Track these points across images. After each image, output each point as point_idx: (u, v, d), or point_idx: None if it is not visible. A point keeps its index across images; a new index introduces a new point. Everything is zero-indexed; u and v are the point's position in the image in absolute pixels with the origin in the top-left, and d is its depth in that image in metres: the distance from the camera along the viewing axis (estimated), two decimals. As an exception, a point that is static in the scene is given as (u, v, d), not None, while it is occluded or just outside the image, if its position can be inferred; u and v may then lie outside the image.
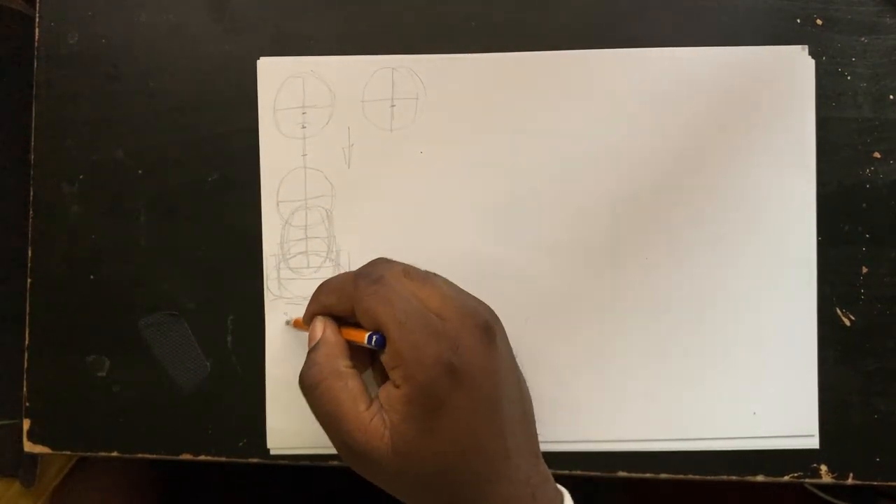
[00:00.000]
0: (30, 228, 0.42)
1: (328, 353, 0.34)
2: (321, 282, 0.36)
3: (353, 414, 0.32)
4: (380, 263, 0.35)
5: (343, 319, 0.35)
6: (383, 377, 0.34)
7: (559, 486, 0.35)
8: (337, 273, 0.40)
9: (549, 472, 0.35)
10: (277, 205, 0.41)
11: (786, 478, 0.40)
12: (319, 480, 0.65)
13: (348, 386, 0.33)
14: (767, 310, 0.40)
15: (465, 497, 0.32)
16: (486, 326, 0.33)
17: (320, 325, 0.35)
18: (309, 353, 0.35)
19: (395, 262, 0.36)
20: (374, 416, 0.32)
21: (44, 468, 0.50)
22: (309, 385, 0.33)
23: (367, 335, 0.32)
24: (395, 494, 0.34)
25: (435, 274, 0.35)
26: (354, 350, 0.35)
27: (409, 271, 0.34)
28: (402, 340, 0.31)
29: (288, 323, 0.40)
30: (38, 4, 0.41)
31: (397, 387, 0.32)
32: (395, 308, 0.32)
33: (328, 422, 0.33)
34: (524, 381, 0.35)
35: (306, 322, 0.37)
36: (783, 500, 0.61)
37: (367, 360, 0.36)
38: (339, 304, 0.35)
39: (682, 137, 0.40)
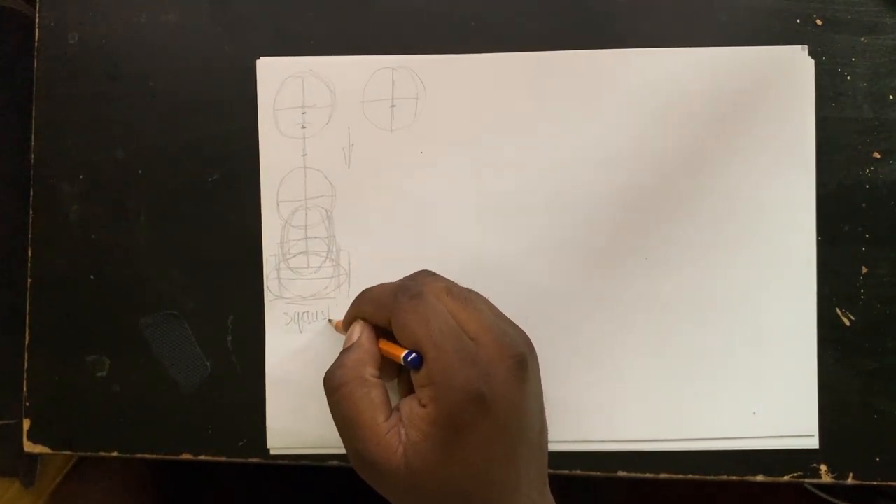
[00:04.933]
0: (30, 228, 0.42)
1: (358, 358, 0.34)
2: (363, 288, 0.36)
3: (370, 423, 0.32)
4: (422, 277, 0.35)
5: (384, 330, 0.35)
6: (408, 390, 0.34)
7: None
8: (336, 272, 0.40)
9: (553, 500, 0.35)
10: (277, 205, 0.41)
11: (786, 478, 0.40)
12: (319, 480, 0.65)
13: (370, 395, 0.33)
14: (767, 310, 0.40)
15: None
16: (521, 360, 0.32)
17: (358, 329, 0.35)
18: (340, 353, 0.35)
19: (439, 277, 0.36)
20: (391, 429, 0.32)
21: (44, 468, 0.50)
22: (332, 386, 0.33)
23: (403, 354, 0.32)
24: None
25: (477, 294, 0.35)
26: (385, 359, 0.35)
27: (451, 289, 0.34)
28: (434, 361, 0.31)
29: (330, 321, 0.40)
30: (38, 4, 0.41)
31: (423, 405, 0.31)
32: (432, 328, 0.32)
33: (344, 426, 0.33)
34: (544, 413, 0.35)
35: (345, 326, 0.37)
36: (783, 500, 0.61)
37: (395, 370, 0.36)
38: (376, 314, 0.35)
39: (682, 137, 0.40)
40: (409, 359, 0.32)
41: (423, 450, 0.31)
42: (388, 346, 0.34)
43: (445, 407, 0.31)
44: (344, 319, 0.37)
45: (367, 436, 0.32)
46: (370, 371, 0.34)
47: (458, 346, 0.31)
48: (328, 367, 0.34)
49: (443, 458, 0.31)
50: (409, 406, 0.32)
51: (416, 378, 0.32)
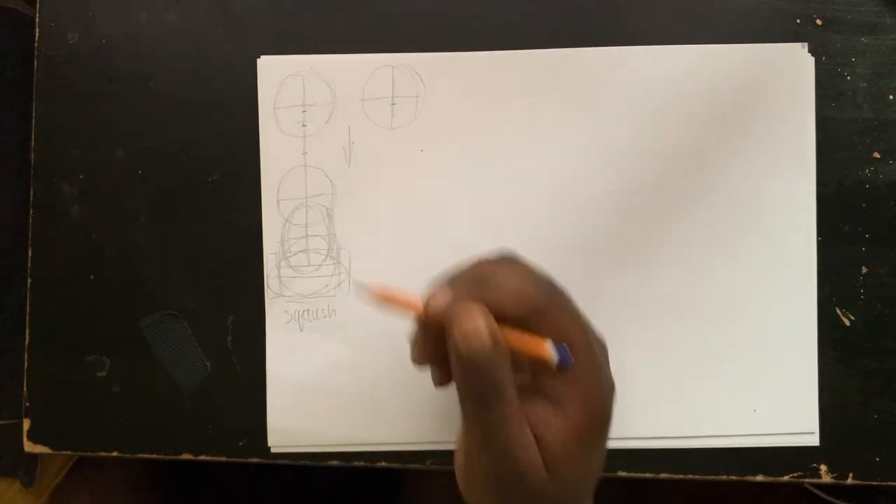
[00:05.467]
0: (30, 228, 0.42)
1: (508, 364, 0.28)
2: (478, 266, 0.30)
3: (519, 435, 0.28)
4: (527, 264, 0.31)
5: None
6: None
7: None
8: (337, 270, 0.40)
9: None
10: (278, 203, 0.41)
11: (786, 478, 0.40)
12: (319, 480, 0.65)
13: (516, 400, 0.29)
14: (767, 309, 0.40)
15: None
16: (606, 350, 0.32)
17: (485, 323, 0.27)
18: (491, 359, 0.27)
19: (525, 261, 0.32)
20: (529, 435, 0.29)
21: (44, 468, 0.50)
22: (503, 410, 0.28)
23: (553, 351, 0.28)
24: None
25: None
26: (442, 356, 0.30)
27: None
28: (586, 362, 0.29)
29: (362, 285, 0.37)
30: (38, 4, 0.41)
31: (564, 407, 0.29)
32: (587, 328, 0.30)
33: (494, 438, 0.28)
34: None
35: (435, 306, 0.29)
36: (783, 500, 0.61)
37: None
38: (514, 309, 0.29)
39: (682, 136, 0.40)
40: (562, 356, 0.28)
41: (563, 456, 0.28)
42: (527, 340, 0.29)
43: (596, 408, 0.29)
44: (433, 298, 0.29)
45: (516, 443, 0.28)
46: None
47: (598, 346, 0.30)
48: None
49: (581, 463, 0.29)
50: (540, 412, 0.29)
51: (556, 380, 0.29)
